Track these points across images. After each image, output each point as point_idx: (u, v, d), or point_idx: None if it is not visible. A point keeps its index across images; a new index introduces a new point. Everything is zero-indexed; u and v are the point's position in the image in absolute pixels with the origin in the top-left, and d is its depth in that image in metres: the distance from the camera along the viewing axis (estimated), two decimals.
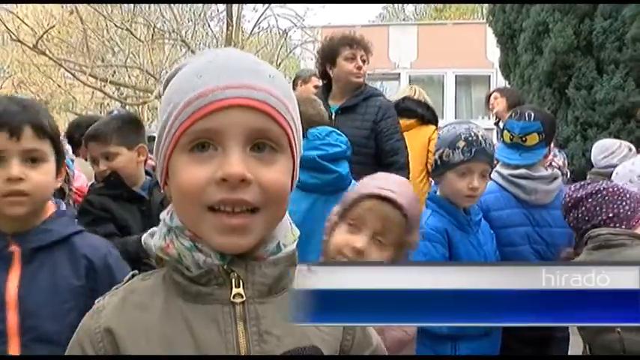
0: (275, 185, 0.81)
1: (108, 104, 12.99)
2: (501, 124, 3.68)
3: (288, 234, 0.89)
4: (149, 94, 11.16)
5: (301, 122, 0.89)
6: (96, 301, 0.89)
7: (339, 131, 2.56)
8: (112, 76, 11.65)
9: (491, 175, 2.64)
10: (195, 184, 0.79)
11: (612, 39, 5.48)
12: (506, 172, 2.54)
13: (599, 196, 2.02)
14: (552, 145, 2.64)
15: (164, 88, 0.88)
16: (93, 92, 11.74)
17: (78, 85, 11.12)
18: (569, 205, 2.09)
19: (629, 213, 2.00)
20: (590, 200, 2.03)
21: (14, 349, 1.32)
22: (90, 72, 9.97)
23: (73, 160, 2.95)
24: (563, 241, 2.35)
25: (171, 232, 0.85)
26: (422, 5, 25.59)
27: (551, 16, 6.03)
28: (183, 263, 0.83)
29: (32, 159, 1.36)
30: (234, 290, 0.82)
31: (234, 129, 0.79)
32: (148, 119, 13.96)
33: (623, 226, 1.99)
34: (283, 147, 0.83)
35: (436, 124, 3.75)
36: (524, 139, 2.50)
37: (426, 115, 3.71)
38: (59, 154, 1.46)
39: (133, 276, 0.91)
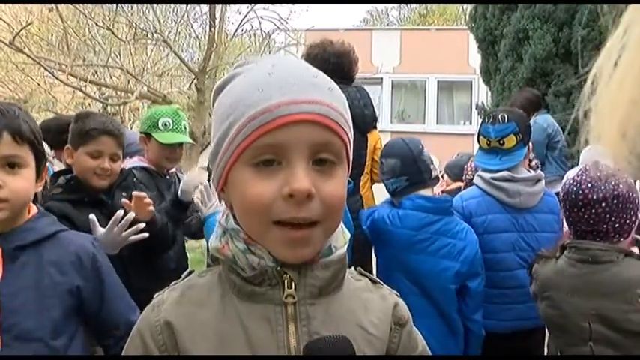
0: (335, 199, 0.84)
1: (89, 104, 12.85)
2: None
3: (339, 237, 0.92)
4: (130, 95, 11.06)
5: None
6: (155, 295, 0.93)
7: None
8: (93, 75, 11.53)
9: (474, 180, 2.63)
10: (262, 200, 0.81)
11: (590, 47, 5.54)
12: (487, 175, 2.51)
13: (614, 202, 1.84)
14: (531, 146, 2.60)
15: (215, 97, 0.91)
16: (74, 92, 11.59)
17: (58, 85, 10.98)
18: (579, 203, 1.89)
19: (632, 225, 1.89)
20: (603, 205, 1.84)
21: None
22: (70, 71, 9.84)
23: (52, 165, 2.88)
24: (550, 246, 2.26)
25: (226, 234, 0.89)
26: (406, 11, 25.73)
27: (531, 24, 6.10)
28: (237, 264, 0.87)
29: (10, 165, 1.37)
30: (287, 291, 0.86)
31: (299, 144, 0.80)
32: (129, 120, 13.85)
33: (622, 239, 1.88)
34: (342, 159, 0.86)
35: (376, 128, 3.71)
36: (501, 142, 2.48)
37: (373, 122, 3.66)
38: (39, 159, 1.46)
39: (190, 272, 0.96)
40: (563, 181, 2.01)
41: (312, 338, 0.85)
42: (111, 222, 2.04)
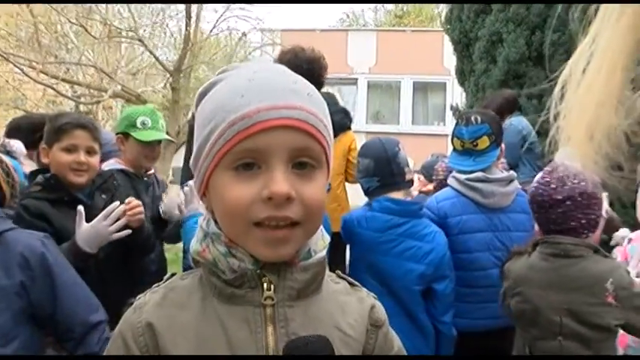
0: (315, 201, 0.85)
1: (61, 102, 12.65)
2: None
3: (319, 241, 0.94)
4: (103, 94, 10.91)
5: None
6: (137, 297, 0.94)
7: None
8: (65, 73, 11.34)
9: (448, 181, 2.64)
10: (241, 202, 0.83)
11: (561, 51, 5.64)
12: (462, 176, 2.53)
13: (578, 200, 1.91)
14: (503, 147, 2.63)
15: (197, 102, 0.92)
16: (44, 89, 11.38)
17: (28, 82, 10.75)
18: (546, 204, 1.95)
19: (598, 220, 1.96)
20: (568, 203, 1.91)
21: None
22: (41, 68, 9.65)
23: (22, 164, 2.83)
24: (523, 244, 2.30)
25: (207, 238, 0.91)
26: (382, 12, 25.86)
27: (505, 27, 6.18)
28: (218, 267, 0.88)
29: None
30: (266, 293, 0.88)
31: (278, 149, 0.82)
32: (102, 119, 13.66)
33: (590, 234, 1.95)
34: (322, 163, 0.88)
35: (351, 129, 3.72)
36: (475, 143, 2.50)
37: (346, 123, 3.67)
38: None
39: (172, 275, 0.97)
40: (532, 183, 2.06)
41: (291, 339, 0.86)
42: (102, 214, 2.03)
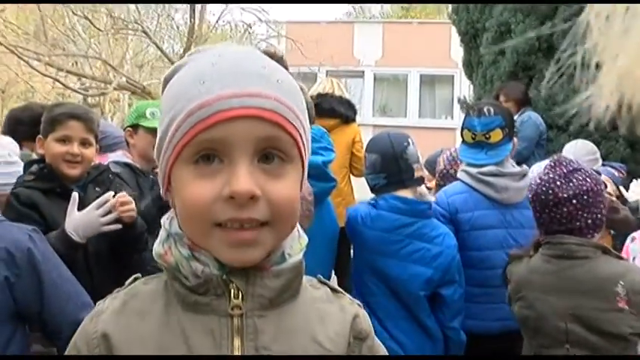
0: (284, 200, 0.77)
1: (69, 95, 12.68)
2: None
3: (294, 244, 0.85)
4: (108, 86, 10.92)
5: None
6: (97, 303, 0.87)
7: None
8: (73, 66, 11.36)
9: (458, 175, 2.51)
10: (201, 201, 0.75)
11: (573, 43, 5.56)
12: (474, 170, 2.42)
13: (584, 198, 1.79)
14: (516, 141, 2.52)
15: (163, 87, 0.84)
16: (53, 82, 11.41)
17: (37, 75, 10.79)
18: (550, 202, 1.82)
19: (602, 219, 1.84)
20: (574, 202, 1.79)
21: None
22: (47, 61, 9.65)
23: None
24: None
25: (169, 239, 0.83)
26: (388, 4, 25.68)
27: (514, 17, 6.08)
28: (181, 272, 0.81)
29: None
30: (233, 302, 0.80)
31: (241, 141, 0.74)
32: (109, 111, 13.68)
33: (596, 234, 1.83)
34: (292, 157, 0.79)
35: (355, 121, 3.68)
36: (487, 136, 2.40)
37: (350, 115, 3.60)
38: None
39: (136, 279, 0.89)
40: (530, 176, 1.96)
41: (260, 354, 0.79)
42: (95, 203, 2.00)
